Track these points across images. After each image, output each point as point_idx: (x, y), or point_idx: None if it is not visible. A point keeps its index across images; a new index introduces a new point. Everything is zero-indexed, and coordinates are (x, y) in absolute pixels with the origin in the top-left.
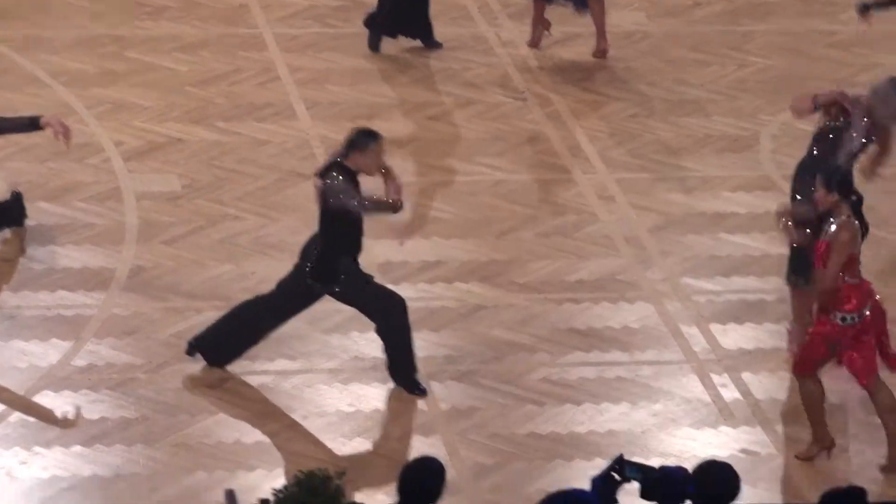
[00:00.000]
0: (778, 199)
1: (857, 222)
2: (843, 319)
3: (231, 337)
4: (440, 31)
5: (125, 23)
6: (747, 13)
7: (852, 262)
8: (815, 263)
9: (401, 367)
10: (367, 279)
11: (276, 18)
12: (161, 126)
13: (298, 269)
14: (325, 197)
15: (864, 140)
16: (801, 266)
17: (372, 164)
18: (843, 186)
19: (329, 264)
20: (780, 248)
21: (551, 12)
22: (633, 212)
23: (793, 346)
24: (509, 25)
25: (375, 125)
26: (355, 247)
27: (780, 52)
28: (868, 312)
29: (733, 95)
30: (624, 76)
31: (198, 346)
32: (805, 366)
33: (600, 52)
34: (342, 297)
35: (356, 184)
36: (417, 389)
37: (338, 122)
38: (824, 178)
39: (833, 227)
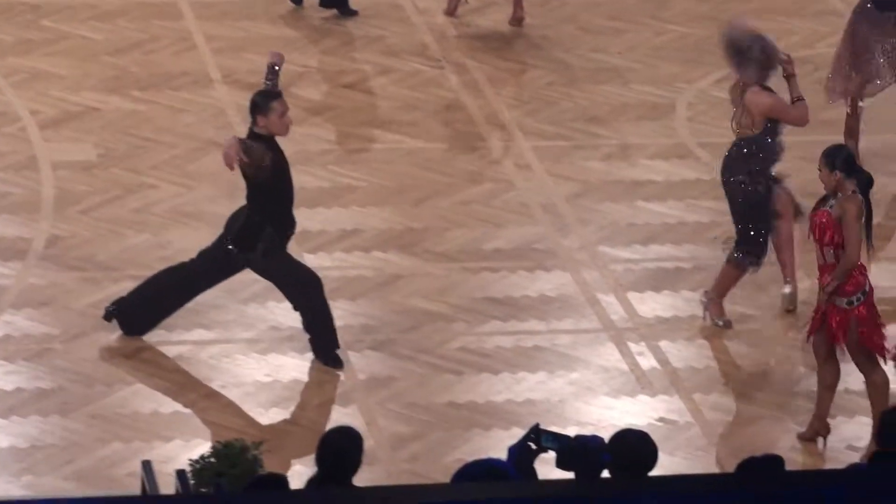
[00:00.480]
0: (694, 166)
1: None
2: (850, 303)
3: (150, 304)
4: None
5: None
6: None
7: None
8: (812, 233)
9: (319, 342)
10: (287, 255)
11: None
12: (77, 95)
13: (222, 238)
14: (241, 165)
15: None
16: (758, 246)
17: (279, 123)
18: (847, 165)
19: (252, 232)
20: (696, 216)
21: None
22: (550, 180)
23: (707, 318)
24: None
25: (292, 93)
26: (282, 218)
27: (696, 19)
28: (868, 288)
29: (650, 63)
30: (541, 44)
31: (115, 311)
32: (872, 358)
33: (516, 20)
34: (259, 268)
35: (275, 149)
36: (335, 362)
37: (253, 91)
38: (827, 158)
39: (836, 203)
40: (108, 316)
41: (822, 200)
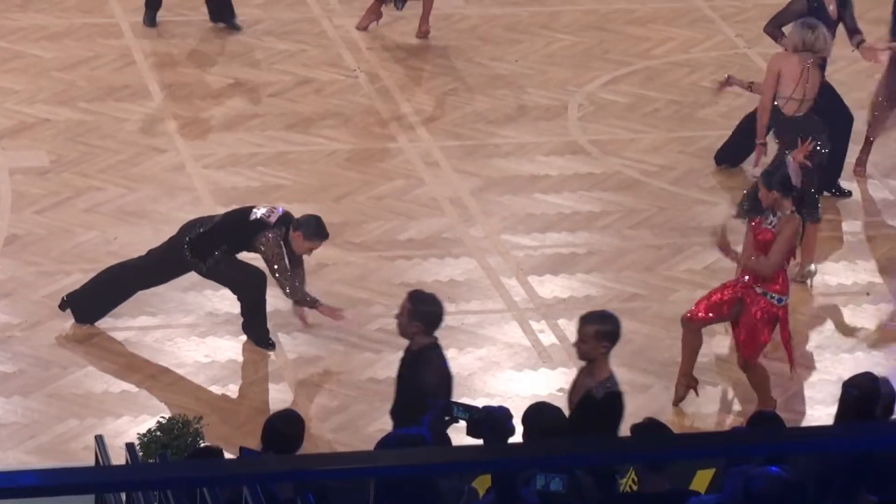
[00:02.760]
0: (585, 161)
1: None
2: (780, 300)
3: (101, 296)
4: (278, 16)
5: None
6: None
7: (790, 251)
8: (755, 243)
9: (255, 328)
10: (232, 259)
11: (130, 9)
12: (30, 107)
13: (174, 242)
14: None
15: None
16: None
17: (301, 250)
18: (783, 184)
19: (208, 246)
20: (588, 206)
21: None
22: (456, 176)
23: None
24: (340, 10)
25: (222, 104)
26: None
27: (585, 29)
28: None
29: (543, 69)
30: (445, 54)
31: (70, 301)
32: (754, 354)
33: (423, 34)
34: (207, 275)
35: (285, 248)
36: (267, 344)
37: (189, 101)
38: (765, 178)
39: (776, 221)
40: (63, 305)
41: (764, 216)
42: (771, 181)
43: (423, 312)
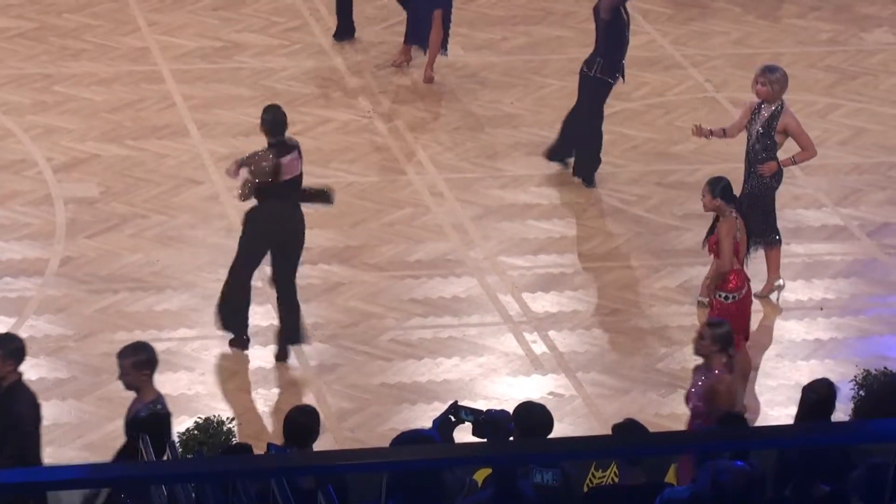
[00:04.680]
0: (572, 191)
1: (741, 220)
2: (726, 298)
3: (231, 302)
4: (301, 64)
5: (52, 63)
6: (544, 45)
7: (737, 252)
8: (710, 253)
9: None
10: (262, 223)
11: (171, 57)
12: (82, 145)
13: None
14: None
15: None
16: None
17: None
18: (725, 193)
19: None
20: (575, 231)
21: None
22: (458, 204)
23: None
24: (356, 58)
25: (252, 141)
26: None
27: (571, 75)
28: (745, 292)
29: (535, 111)
30: (449, 97)
31: (221, 322)
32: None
33: (428, 79)
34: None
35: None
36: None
37: (223, 139)
38: (710, 186)
39: (719, 225)
40: (218, 326)
41: (713, 225)
42: (715, 189)
43: (14, 350)
